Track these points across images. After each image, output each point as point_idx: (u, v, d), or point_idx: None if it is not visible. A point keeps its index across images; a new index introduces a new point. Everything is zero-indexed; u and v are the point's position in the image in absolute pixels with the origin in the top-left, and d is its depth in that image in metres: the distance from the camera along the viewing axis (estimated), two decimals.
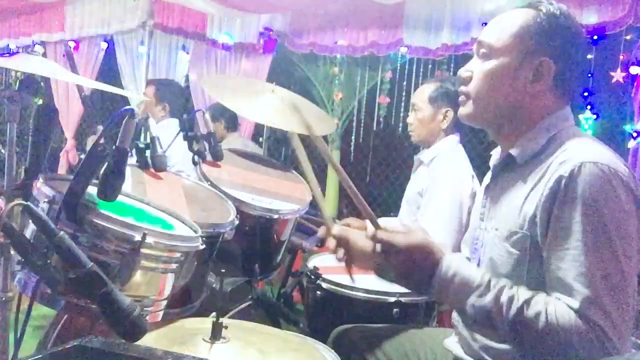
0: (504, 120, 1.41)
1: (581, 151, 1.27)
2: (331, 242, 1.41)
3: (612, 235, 1.20)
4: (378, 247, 1.32)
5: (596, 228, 1.20)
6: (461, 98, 1.45)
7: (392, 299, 1.99)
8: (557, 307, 1.20)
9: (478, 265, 1.46)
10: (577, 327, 1.17)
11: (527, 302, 1.22)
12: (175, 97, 4.16)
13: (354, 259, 1.42)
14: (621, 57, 3.30)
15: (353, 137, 4.78)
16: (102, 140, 1.21)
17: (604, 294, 1.17)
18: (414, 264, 1.30)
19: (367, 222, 1.38)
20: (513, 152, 1.39)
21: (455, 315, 1.53)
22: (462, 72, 1.44)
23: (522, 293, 1.24)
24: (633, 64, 3.20)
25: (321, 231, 1.49)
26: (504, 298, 1.23)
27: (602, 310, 1.17)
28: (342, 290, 2.05)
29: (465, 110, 1.44)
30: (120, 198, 1.30)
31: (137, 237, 1.22)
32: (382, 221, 1.38)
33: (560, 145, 1.32)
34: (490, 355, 1.37)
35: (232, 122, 4.30)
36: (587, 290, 1.18)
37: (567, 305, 1.19)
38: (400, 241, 1.30)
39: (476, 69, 1.41)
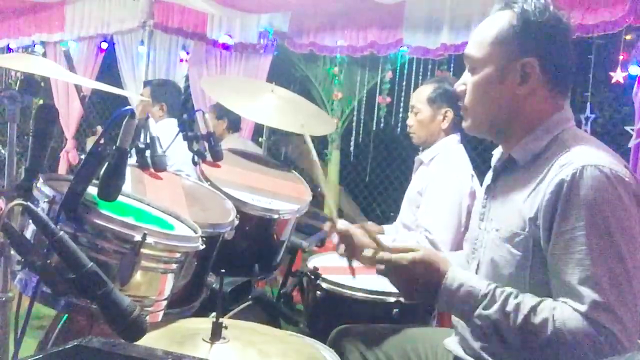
0: (503, 126, 1.42)
1: (582, 154, 1.27)
2: (335, 238, 1.42)
3: (617, 238, 1.19)
4: (380, 267, 1.34)
5: (600, 231, 1.19)
6: (462, 112, 1.47)
7: (392, 299, 1.99)
8: (564, 312, 1.19)
9: (478, 265, 1.46)
10: (585, 330, 1.16)
11: (534, 309, 1.21)
12: (172, 97, 4.14)
13: (355, 256, 1.42)
14: (621, 57, 3.30)
15: (353, 137, 4.78)
16: (102, 141, 1.21)
17: (612, 297, 1.17)
18: (417, 280, 1.31)
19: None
20: (514, 153, 1.40)
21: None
22: (457, 86, 1.46)
23: (527, 301, 1.23)
24: (633, 64, 3.20)
25: (326, 226, 1.51)
26: (510, 307, 1.23)
27: (612, 314, 1.16)
28: (342, 290, 2.04)
29: (466, 124, 1.47)
30: (120, 198, 1.30)
31: (138, 237, 1.22)
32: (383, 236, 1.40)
33: (561, 146, 1.32)
34: (491, 355, 1.37)
35: (235, 123, 4.28)
36: (594, 294, 1.17)
37: (574, 309, 1.19)
38: (402, 261, 1.31)
39: (468, 82, 1.43)
